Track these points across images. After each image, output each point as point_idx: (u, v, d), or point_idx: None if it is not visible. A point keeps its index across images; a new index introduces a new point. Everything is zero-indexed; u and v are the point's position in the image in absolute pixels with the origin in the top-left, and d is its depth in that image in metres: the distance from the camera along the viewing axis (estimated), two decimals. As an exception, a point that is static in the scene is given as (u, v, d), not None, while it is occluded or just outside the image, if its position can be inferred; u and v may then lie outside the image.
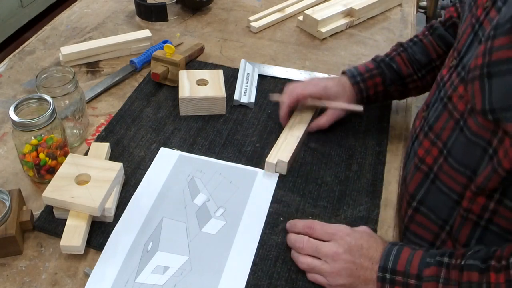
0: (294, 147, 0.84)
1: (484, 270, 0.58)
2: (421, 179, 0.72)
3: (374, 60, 0.91)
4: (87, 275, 0.67)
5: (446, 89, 0.70)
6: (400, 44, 0.91)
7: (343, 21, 1.21)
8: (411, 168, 0.75)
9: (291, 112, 0.91)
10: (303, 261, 0.69)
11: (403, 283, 0.62)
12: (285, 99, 0.89)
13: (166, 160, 0.84)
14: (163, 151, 0.86)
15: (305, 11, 1.19)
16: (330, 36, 1.19)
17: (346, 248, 0.67)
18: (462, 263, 0.60)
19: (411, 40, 0.91)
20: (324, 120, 0.89)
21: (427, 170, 0.71)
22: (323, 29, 1.18)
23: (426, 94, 0.83)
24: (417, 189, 0.73)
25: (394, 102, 0.99)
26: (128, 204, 0.76)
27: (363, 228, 0.71)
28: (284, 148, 0.84)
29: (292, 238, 0.71)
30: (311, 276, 0.68)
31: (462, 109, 0.65)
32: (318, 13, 1.19)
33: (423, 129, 0.73)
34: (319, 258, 0.68)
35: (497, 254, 0.59)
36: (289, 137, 0.86)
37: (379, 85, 0.89)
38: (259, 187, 0.81)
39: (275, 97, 0.94)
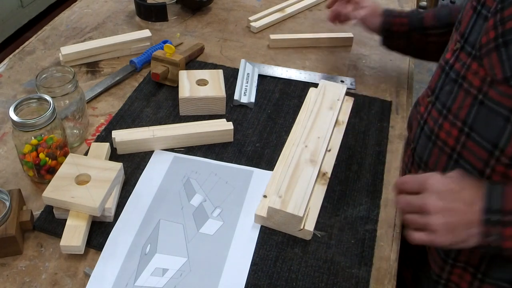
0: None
1: None
2: (445, 161, 0.73)
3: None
4: (87, 275, 0.67)
5: (457, 70, 0.72)
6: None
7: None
8: (433, 152, 0.75)
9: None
10: (408, 217, 0.66)
11: None
12: None
13: (161, 162, 0.84)
14: (158, 153, 0.86)
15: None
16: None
17: (435, 196, 0.63)
18: None
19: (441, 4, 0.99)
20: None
21: (450, 152, 0.73)
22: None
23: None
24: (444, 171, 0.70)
25: (394, 102, 0.99)
26: (124, 207, 0.76)
27: (454, 173, 0.67)
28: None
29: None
30: (417, 236, 0.64)
31: (478, 84, 0.67)
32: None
33: (442, 113, 0.74)
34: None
35: None
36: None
37: (404, 25, 0.97)
38: (255, 186, 0.80)
39: None
